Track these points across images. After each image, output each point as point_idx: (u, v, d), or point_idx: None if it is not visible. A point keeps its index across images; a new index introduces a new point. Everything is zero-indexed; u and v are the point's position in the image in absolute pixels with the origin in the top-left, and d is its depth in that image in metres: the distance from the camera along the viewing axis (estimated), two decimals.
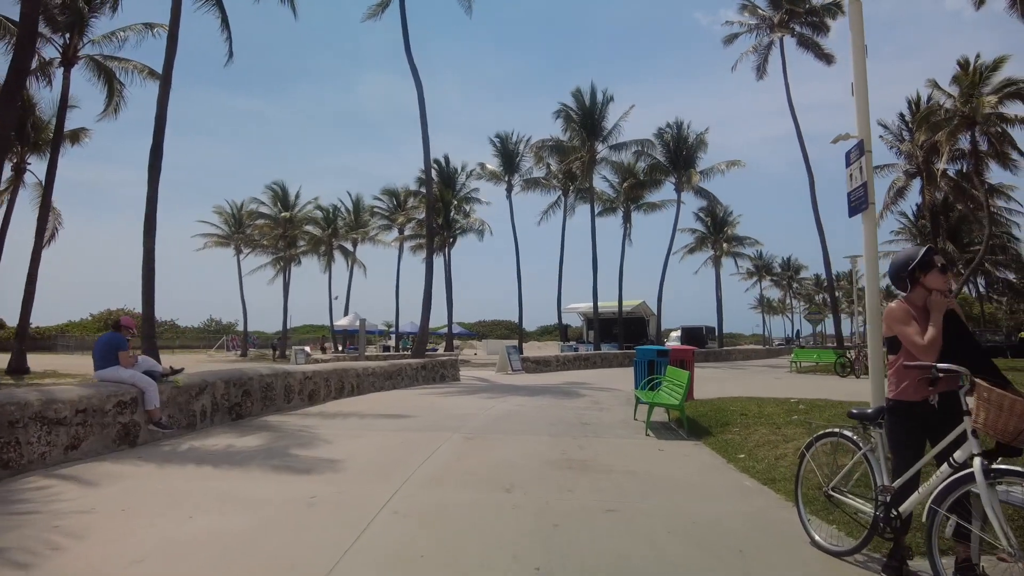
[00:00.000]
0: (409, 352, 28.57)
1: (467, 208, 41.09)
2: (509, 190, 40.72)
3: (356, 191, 50.71)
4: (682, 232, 48.22)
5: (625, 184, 38.32)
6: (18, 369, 18.39)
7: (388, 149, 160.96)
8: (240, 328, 52.11)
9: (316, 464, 5.93)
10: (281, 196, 47.58)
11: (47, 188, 19.91)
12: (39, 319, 58.88)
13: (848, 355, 20.76)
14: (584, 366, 25.43)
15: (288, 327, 60.51)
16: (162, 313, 74.45)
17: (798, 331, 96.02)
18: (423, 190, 31.12)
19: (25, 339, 19.09)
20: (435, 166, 39.80)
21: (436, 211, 37.05)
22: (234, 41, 18.22)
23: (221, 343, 55.61)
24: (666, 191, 39.72)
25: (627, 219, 41.01)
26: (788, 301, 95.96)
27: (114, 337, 6.95)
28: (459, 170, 41.35)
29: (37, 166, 24.58)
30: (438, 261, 39.92)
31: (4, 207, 22.79)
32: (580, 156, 34.19)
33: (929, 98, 32.54)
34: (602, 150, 35.59)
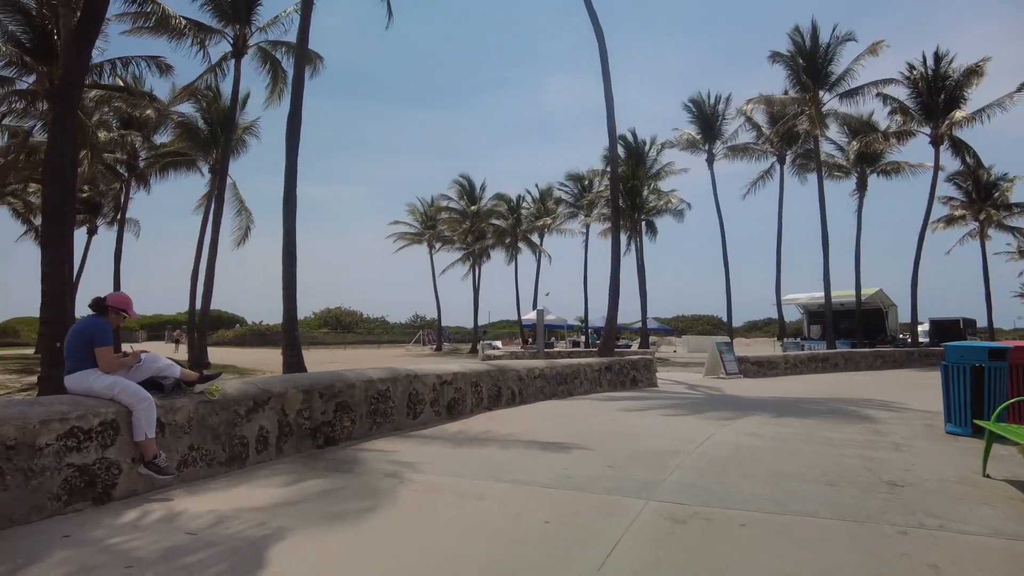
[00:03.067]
0: (596, 349, 25.08)
1: (660, 186, 36.40)
2: (710, 160, 35.13)
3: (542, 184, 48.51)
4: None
5: (855, 141, 30.81)
6: (198, 363, 18.60)
7: (572, 149, 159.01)
8: (442, 324, 53.04)
9: None
10: (468, 189, 47.30)
11: (220, 181, 20.00)
12: (270, 317, 66.05)
13: None
14: (821, 369, 19.79)
15: (487, 322, 61.53)
16: (374, 310, 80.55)
17: None
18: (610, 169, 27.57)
19: (205, 333, 19.32)
20: (621, 143, 35.87)
21: (625, 192, 33.14)
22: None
23: (418, 338, 57.25)
24: (912, 149, 31.46)
25: (862, 186, 33.34)
26: None
27: (91, 324, 4.38)
28: (648, 144, 36.80)
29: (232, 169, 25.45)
30: (629, 249, 36.00)
31: (203, 211, 23.81)
32: (803, 109, 27.80)
33: None
34: (829, 100, 28.79)
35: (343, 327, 72.40)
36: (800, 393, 12.81)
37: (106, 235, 35.27)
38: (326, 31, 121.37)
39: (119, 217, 28.49)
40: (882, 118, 31.99)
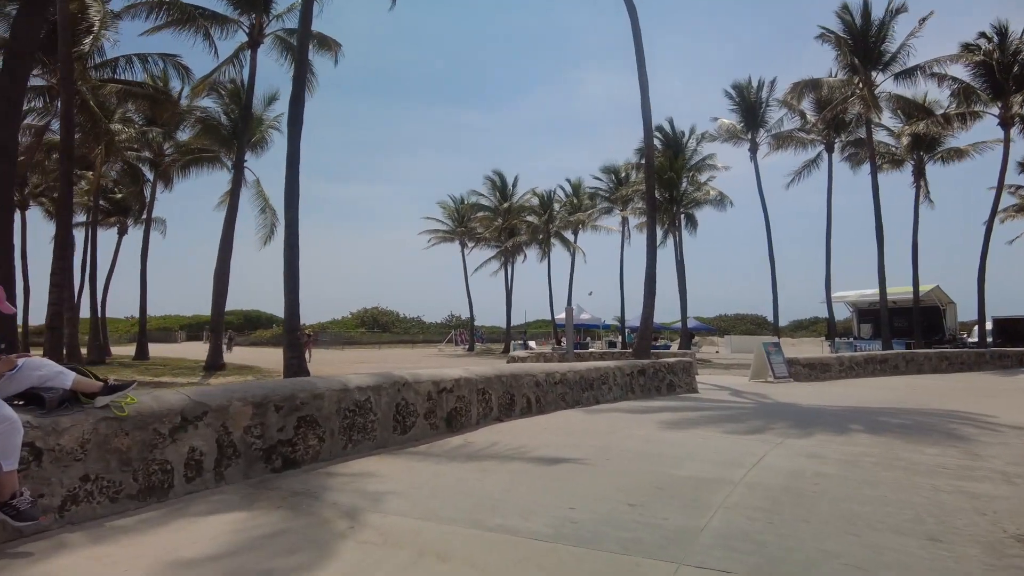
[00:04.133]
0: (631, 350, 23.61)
1: (700, 178, 34.59)
2: (753, 150, 33.16)
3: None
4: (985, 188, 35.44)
5: (908, 125, 28.52)
6: (212, 365, 17.99)
7: (607, 146, 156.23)
8: (474, 324, 52.32)
9: None
10: (500, 186, 46.40)
11: (236, 177, 19.38)
12: (307, 317, 66.55)
13: None
14: (880, 372, 17.97)
15: (522, 321, 60.66)
16: (410, 310, 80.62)
17: None
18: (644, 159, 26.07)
19: (220, 333, 18.77)
20: (658, 134, 34.23)
21: (662, 183, 31.53)
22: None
23: (450, 337, 56.54)
24: (974, 135, 28.97)
25: (919, 174, 31.04)
26: None
27: None
28: (687, 134, 35.05)
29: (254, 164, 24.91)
30: (667, 244, 34.36)
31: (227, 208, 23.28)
32: (854, 92, 25.77)
33: None
34: (882, 81, 26.68)
35: (380, 327, 72.54)
36: (862, 400, 11.28)
37: (135, 235, 35.44)
38: (360, 32, 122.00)
39: (145, 217, 28.37)
40: (942, 99, 29.63)
